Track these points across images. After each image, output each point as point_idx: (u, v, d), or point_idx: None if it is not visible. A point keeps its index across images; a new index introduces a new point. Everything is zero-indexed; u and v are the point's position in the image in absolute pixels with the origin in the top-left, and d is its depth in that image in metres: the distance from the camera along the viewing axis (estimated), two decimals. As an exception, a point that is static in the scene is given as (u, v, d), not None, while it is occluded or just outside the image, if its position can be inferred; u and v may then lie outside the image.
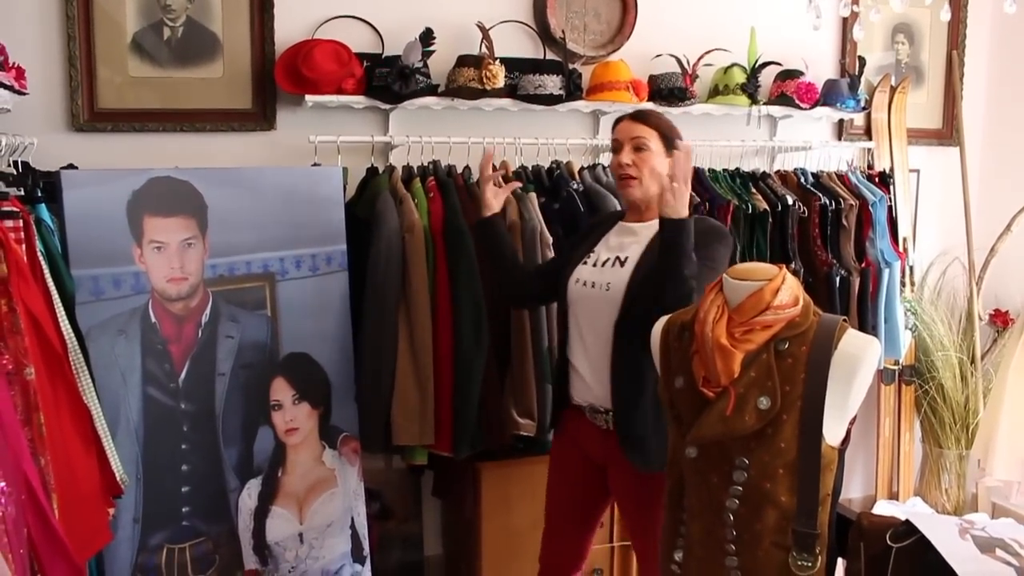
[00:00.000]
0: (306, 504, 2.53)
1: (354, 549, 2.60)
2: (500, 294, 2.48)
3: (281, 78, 2.76)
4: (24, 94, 2.36)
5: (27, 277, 1.84)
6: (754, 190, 3.04)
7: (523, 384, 2.61)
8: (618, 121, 2.15)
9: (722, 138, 3.18)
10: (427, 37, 2.75)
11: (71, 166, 2.46)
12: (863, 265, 3.12)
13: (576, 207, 2.72)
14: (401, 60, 2.73)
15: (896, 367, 3.63)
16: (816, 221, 3.07)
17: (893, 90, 3.56)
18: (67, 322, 2.02)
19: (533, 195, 2.70)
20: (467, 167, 2.78)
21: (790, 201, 3.02)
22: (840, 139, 3.57)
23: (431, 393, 2.54)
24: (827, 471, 1.49)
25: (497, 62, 2.81)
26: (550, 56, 3.08)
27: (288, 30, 2.84)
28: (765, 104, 3.19)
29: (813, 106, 3.21)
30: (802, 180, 3.16)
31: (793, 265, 3.00)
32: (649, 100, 3.03)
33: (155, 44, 2.75)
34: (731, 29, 3.26)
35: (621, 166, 2.09)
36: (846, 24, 3.43)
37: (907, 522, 1.51)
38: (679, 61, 3.07)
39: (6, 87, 2.24)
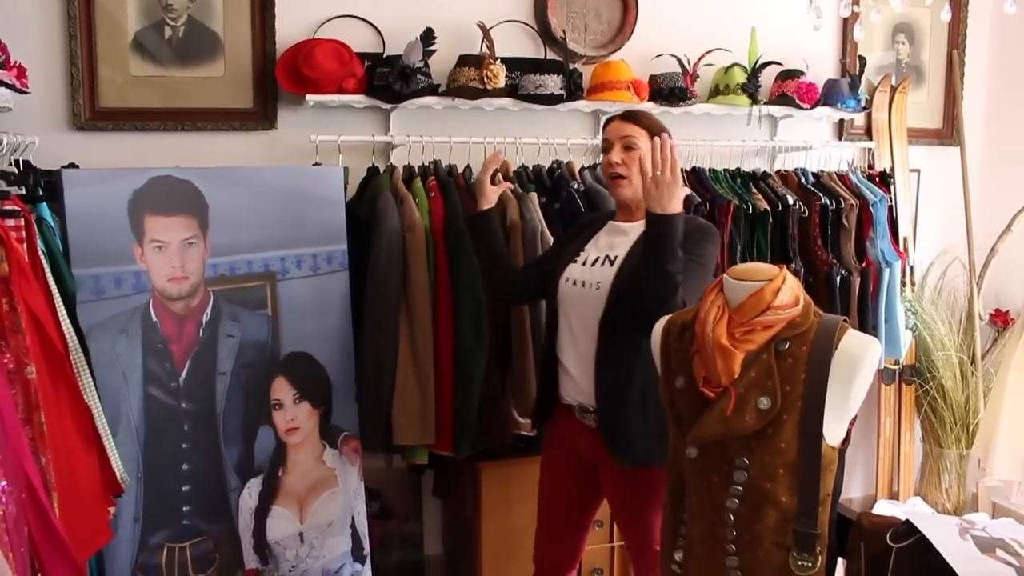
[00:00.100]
0: (307, 503, 2.53)
1: (354, 548, 2.61)
2: (488, 290, 2.46)
3: (282, 77, 2.76)
4: (25, 93, 2.36)
5: (28, 276, 1.84)
6: (755, 190, 3.04)
7: (524, 384, 2.61)
8: (608, 121, 2.16)
9: (723, 138, 3.18)
10: (428, 37, 2.75)
11: (72, 165, 2.47)
12: (863, 265, 3.12)
13: (577, 207, 2.72)
14: (402, 60, 2.73)
15: (896, 367, 3.63)
16: (816, 221, 3.07)
17: (893, 90, 3.56)
18: (68, 321, 2.02)
19: (534, 195, 2.70)
20: (468, 167, 2.78)
21: (790, 201, 3.02)
22: (840, 139, 3.57)
23: (432, 393, 2.54)
24: (827, 471, 1.50)
25: (498, 62, 2.81)
26: (551, 56, 3.08)
27: (289, 29, 2.84)
28: (766, 104, 3.19)
29: (814, 106, 3.21)
30: (802, 180, 3.16)
31: (793, 265, 3.00)
32: (650, 100, 3.03)
33: (156, 43, 2.76)
34: (732, 29, 3.26)
35: (611, 165, 2.09)
36: (847, 24, 3.44)
37: (907, 522, 1.51)
38: (680, 61, 3.07)
39: (7, 86, 2.24)
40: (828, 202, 3.08)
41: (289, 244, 2.49)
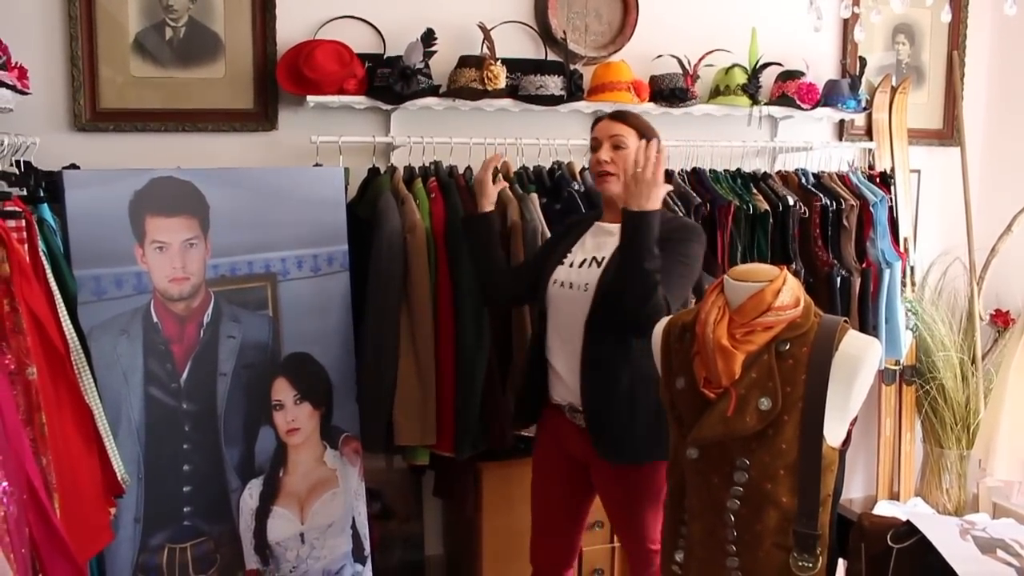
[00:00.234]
0: (307, 504, 2.53)
1: (355, 549, 2.61)
2: (481, 292, 2.43)
3: (283, 78, 2.76)
4: (26, 94, 2.37)
5: (29, 277, 1.84)
6: (755, 191, 3.04)
7: (524, 384, 2.61)
8: (597, 120, 2.17)
9: (723, 139, 3.18)
10: (428, 38, 2.75)
11: (73, 166, 2.47)
12: (864, 265, 3.12)
13: (577, 207, 2.72)
14: (403, 61, 2.74)
15: (897, 367, 3.63)
16: (817, 222, 3.08)
17: (894, 90, 3.56)
18: (69, 322, 2.02)
19: (534, 196, 2.70)
20: (468, 167, 2.78)
21: (791, 202, 3.02)
22: (841, 139, 3.57)
23: (432, 393, 2.54)
24: (828, 472, 1.50)
25: (498, 63, 2.81)
26: (551, 57, 3.08)
27: (290, 30, 2.84)
28: (766, 105, 3.19)
29: (814, 107, 3.21)
30: (803, 180, 3.16)
31: (794, 266, 3.00)
32: (650, 101, 3.03)
33: (157, 44, 2.76)
34: (732, 30, 3.26)
35: (600, 163, 2.10)
36: (847, 25, 3.44)
37: (908, 523, 1.51)
38: (680, 62, 3.07)
39: (8, 87, 2.25)
40: (828, 203, 3.08)
41: (290, 245, 2.49)
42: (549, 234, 2.62)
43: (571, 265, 2.12)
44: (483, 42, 2.84)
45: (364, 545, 2.63)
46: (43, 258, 2.00)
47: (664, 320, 1.76)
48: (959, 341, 3.58)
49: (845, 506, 1.65)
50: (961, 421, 3.57)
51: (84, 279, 2.22)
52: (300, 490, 2.52)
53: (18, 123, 2.41)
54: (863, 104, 3.32)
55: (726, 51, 3.20)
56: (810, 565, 1.48)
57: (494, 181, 2.30)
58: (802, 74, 3.21)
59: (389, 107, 2.82)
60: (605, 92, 2.94)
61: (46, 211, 2.16)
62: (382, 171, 2.75)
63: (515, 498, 2.73)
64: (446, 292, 2.56)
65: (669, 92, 3.03)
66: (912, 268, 3.57)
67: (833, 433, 1.49)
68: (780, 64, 3.26)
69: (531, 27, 3.10)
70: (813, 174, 3.21)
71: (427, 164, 2.76)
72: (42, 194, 2.21)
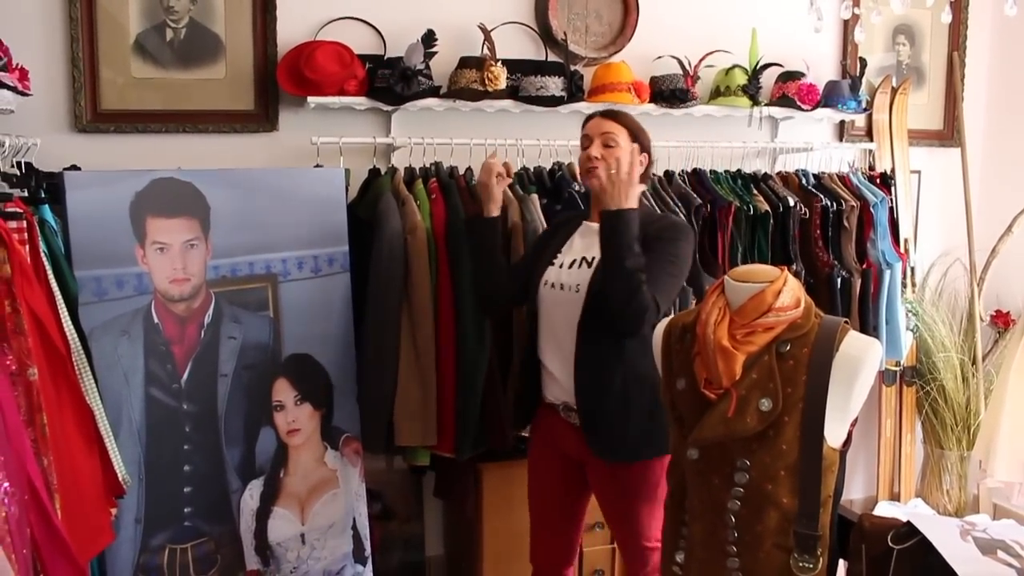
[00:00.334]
0: (308, 505, 2.53)
1: (356, 550, 2.61)
2: (480, 296, 2.39)
3: (283, 79, 2.76)
4: (27, 95, 2.37)
5: (30, 278, 1.84)
6: (755, 191, 3.05)
7: (525, 385, 2.61)
8: (588, 118, 2.16)
9: (723, 139, 3.18)
10: (429, 39, 2.75)
11: (74, 167, 2.47)
12: (864, 266, 3.12)
13: (578, 208, 2.72)
14: (403, 62, 2.74)
15: (897, 368, 3.63)
16: (817, 222, 3.08)
17: (894, 91, 3.56)
18: (70, 323, 2.02)
19: (535, 196, 2.70)
20: (469, 168, 2.78)
21: (791, 202, 3.02)
22: (841, 140, 3.57)
23: (433, 394, 2.54)
24: (828, 473, 1.50)
25: (499, 64, 2.81)
26: (552, 58, 3.08)
27: (290, 31, 2.84)
28: (766, 105, 3.19)
29: (814, 107, 3.21)
30: (803, 181, 3.16)
31: (794, 266, 3.00)
32: (651, 102, 3.03)
33: (158, 45, 2.76)
34: (732, 31, 3.26)
35: (590, 160, 2.09)
36: (847, 26, 3.44)
37: (908, 523, 1.51)
38: (680, 62, 3.07)
39: (9, 88, 2.25)
40: (829, 203, 3.09)
41: (290, 246, 2.49)
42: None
43: (561, 266, 2.12)
44: (483, 43, 2.84)
45: (365, 546, 2.63)
46: (44, 259, 2.00)
47: (665, 321, 1.76)
48: (959, 342, 3.58)
49: (846, 507, 1.65)
50: (961, 422, 3.57)
51: (85, 280, 2.23)
52: (301, 491, 2.52)
53: (19, 124, 2.42)
54: (863, 105, 3.32)
55: (726, 52, 3.20)
56: (811, 566, 1.48)
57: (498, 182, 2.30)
58: (802, 75, 3.21)
59: (390, 108, 2.82)
60: (606, 93, 2.94)
61: (47, 212, 2.17)
62: (383, 172, 2.75)
63: (516, 499, 2.73)
64: (447, 293, 2.56)
65: (669, 93, 3.03)
66: (912, 269, 3.57)
67: (834, 434, 1.49)
68: (780, 65, 3.26)
69: (531, 28, 3.10)
70: (813, 175, 3.21)
71: (428, 165, 2.76)
72: (43, 195, 2.21)
